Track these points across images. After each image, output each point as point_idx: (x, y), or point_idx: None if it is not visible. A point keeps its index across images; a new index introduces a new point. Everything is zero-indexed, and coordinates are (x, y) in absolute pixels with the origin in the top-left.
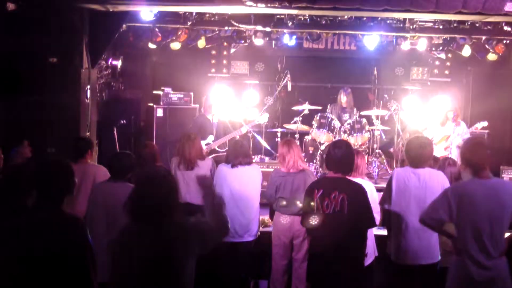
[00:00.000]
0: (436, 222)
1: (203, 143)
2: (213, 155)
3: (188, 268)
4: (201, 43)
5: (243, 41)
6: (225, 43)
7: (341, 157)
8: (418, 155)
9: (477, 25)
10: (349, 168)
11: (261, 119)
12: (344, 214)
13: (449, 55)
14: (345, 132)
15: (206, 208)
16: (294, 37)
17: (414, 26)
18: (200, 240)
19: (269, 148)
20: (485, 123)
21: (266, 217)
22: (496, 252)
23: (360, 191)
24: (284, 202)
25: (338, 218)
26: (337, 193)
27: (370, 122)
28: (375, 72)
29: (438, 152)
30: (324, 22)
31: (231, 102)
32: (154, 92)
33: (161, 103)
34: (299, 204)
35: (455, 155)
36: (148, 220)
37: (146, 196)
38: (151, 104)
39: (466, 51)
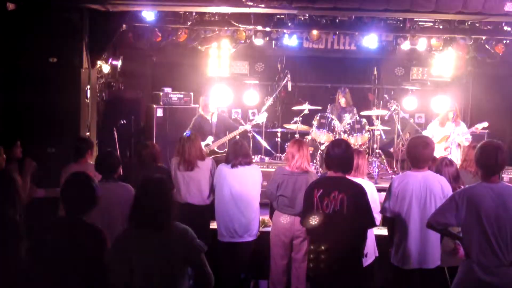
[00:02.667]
0: (442, 226)
1: (202, 144)
2: (212, 156)
3: (185, 272)
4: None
5: (243, 41)
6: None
7: (340, 156)
8: (420, 154)
9: (477, 25)
10: (348, 167)
11: (260, 118)
12: (344, 213)
13: (449, 55)
14: (345, 132)
15: (206, 209)
16: (294, 37)
17: (414, 26)
18: (191, 249)
19: (269, 148)
20: (485, 124)
21: (266, 217)
22: (507, 258)
23: (360, 191)
24: (286, 202)
25: (338, 217)
26: (337, 193)
27: (370, 122)
28: (375, 72)
29: (438, 152)
30: (324, 22)
31: (229, 101)
32: (154, 92)
33: (161, 103)
34: (300, 204)
35: (454, 155)
36: (148, 226)
37: (144, 203)
38: (151, 104)
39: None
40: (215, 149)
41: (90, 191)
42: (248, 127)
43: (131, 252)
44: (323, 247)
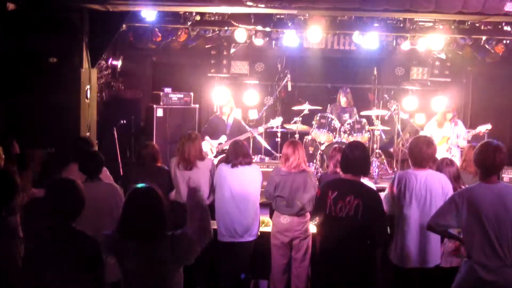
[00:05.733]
0: (443, 228)
1: (215, 142)
2: (223, 155)
3: (177, 278)
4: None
5: (243, 41)
6: (225, 43)
7: (359, 159)
8: (423, 153)
9: (477, 25)
10: (366, 170)
11: (275, 122)
12: (357, 219)
13: (449, 55)
14: (345, 132)
15: (206, 208)
16: (294, 37)
17: (414, 26)
18: (186, 252)
19: (269, 148)
20: (488, 126)
21: (266, 217)
22: (509, 258)
23: (376, 199)
24: (284, 202)
25: (350, 222)
26: (352, 198)
27: (370, 122)
28: (375, 72)
29: (440, 154)
30: (324, 22)
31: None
32: (154, 92)
33: (161, 103)
34: (298, 204)
35: (455, 155)
36: (139, 237)
37: (133, 215)
38: (151, 104)
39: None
40: (227, 148)
41: (79, 195)
42: (261, 129)
43: (122, 259)
44: (332, 250)
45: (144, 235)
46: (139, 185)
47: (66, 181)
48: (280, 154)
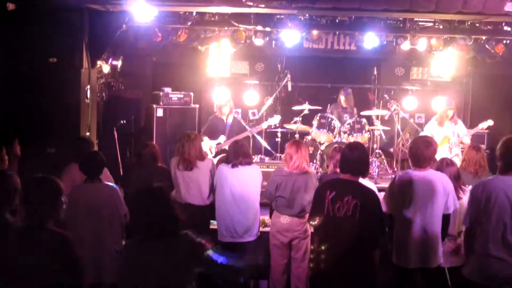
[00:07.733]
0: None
1: (214, 142)
2: (222, 155)
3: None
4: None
5: (243, 41)
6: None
7: (358, 160)
8: (422, 154)
9: (477, 25)
10: (366, 171)
11: (273, 120)
12: (355, 219)
13: (449, 55)
14: (345, 132)
15: (206, 209)
16: (294, 37)
17: (414, 26)
18: (198, 252)
19: (269, 148)
20: (490, 122)
21: (266, 217)
22: None
23: (374, 199)
24: (285, 203)
25: (348, 222)
26: (351, 198)
27: (370, 122)
28: (375, 72)
29: (443, 154)
30: (324, 22)
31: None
32: (154, 92)
33: (161, 103)
34: (298, 205)
35: (457, 154)
36: (156, 236)
37: (149, 213)
38: (151, 104)
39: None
40: (226, 147)
41: (56, 193)
42: (259, 128)
43: (142, 260)
44: (326, 248)
45: (159, 233)
46: (145, 187)
47: (41, 179)
48: (280, 154)
